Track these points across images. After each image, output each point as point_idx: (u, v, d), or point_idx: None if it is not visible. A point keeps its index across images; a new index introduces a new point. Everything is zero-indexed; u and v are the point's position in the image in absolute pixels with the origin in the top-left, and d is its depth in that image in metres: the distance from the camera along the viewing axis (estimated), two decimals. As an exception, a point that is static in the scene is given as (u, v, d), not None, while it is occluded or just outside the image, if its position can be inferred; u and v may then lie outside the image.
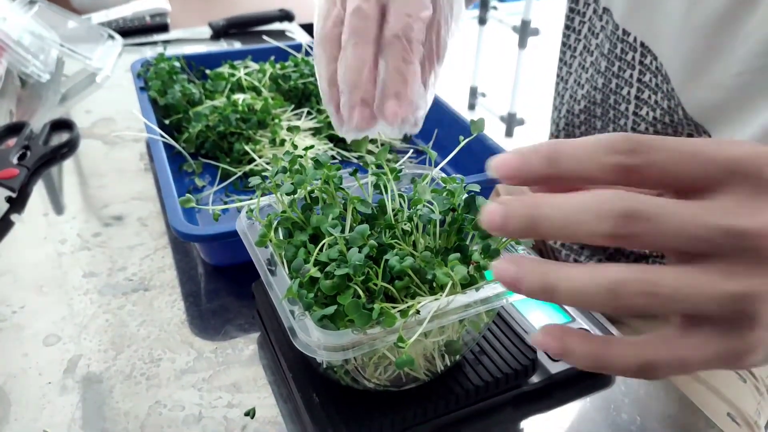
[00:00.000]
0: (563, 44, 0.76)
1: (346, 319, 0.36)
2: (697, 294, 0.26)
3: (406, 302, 0.38)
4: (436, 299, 0.37)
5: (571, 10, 0.73)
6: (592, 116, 0.74)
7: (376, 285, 0.38)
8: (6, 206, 0.67)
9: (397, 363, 0.36)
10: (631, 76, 0.66)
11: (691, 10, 0.57)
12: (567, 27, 0.74)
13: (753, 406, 0.68)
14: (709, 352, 0.27)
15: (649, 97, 0.65)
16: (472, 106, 3.17)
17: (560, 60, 0.77)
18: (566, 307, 0.52)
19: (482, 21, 3.00)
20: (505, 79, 2.97)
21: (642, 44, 0.64)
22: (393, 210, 0.44)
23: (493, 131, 2.98)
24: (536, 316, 0.51)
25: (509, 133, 2.92)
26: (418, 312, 0.36)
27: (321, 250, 0.40)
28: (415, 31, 0.44)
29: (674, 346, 0.28)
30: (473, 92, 3.14)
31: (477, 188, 0.44)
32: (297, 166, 0.46)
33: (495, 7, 3.13)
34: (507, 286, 0.28)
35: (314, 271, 0.38)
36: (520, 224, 0.27)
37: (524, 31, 2.71)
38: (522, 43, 2.74)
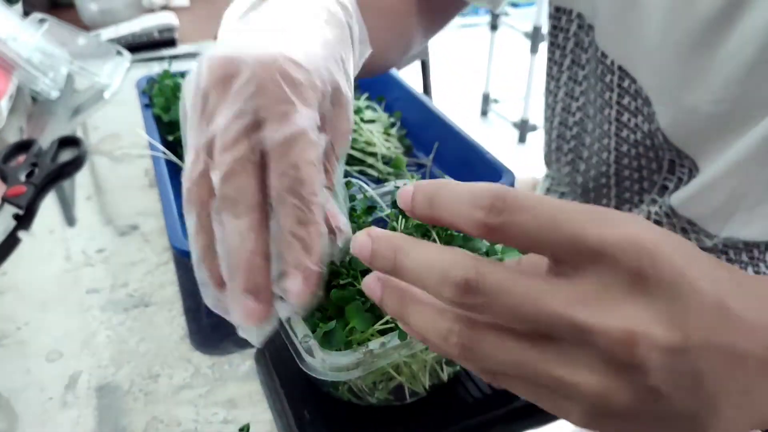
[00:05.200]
0: (549, 59, 0.76)
1: (348, 328, 0.37)
2: (532, 371, 0.26)
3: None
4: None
5: (554, 27, 0.73)
6: (583, 130, 0.74)
7: None
8: (13, 223, 0.68)
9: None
10: (610, 98, 0.66)
11: (667, 34, 0.56)
12: (552, 43, 0.74)
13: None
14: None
15: (629, 120, 0.64)
16: (484, 113, 3.17)
17: (548, 75, 0.77)
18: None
19: (494, 27, 3.00)
20: (518, 86, 2.97)
21: (620, 68, 0.63)
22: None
23: (506, 138, 2.98)
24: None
25: (522, 139, 2.92)
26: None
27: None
28: (306, 183, 0.34)
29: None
30: (486, 99, 3.14)
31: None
32: None
33: (507, 13, 3.13)
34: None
35: None
36: (383, 265, 0.29)
37: (536, 36, 2.70)
38: (534, 49, 2.74)
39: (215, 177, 0.33)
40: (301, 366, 0.36)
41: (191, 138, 0.35)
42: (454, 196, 0.28)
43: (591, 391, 0.26)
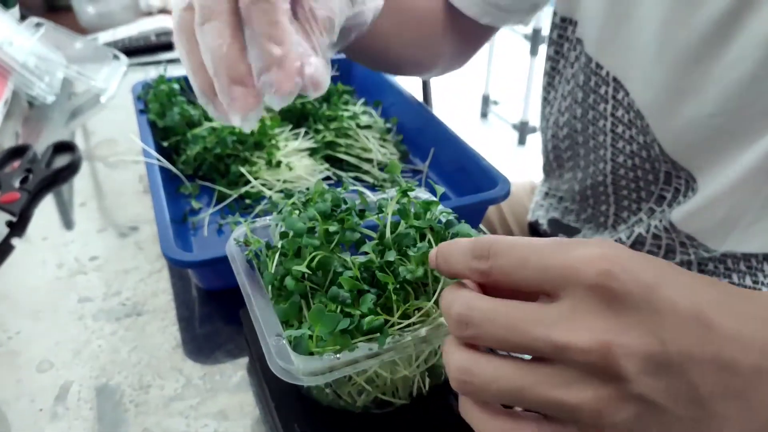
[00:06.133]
0: (552, 68, 0.75)
1: (317, 332, 0.36)
2: (532, 397, 0.28)
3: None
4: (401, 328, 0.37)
5: (559, 36, 0.72)
6: (575, 143, 0.73)
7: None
8: (6, 230, 0.68)
9: None
10: (605, 109, 0.65)
11: (662, 47, 0.56)
12: (556, 52, 0.74)
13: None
14: None
15: (624, 131, 0.64)
16: (484, 115, 3.17)
17: (548, 84, 0.77)
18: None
19: (494, 29, 2.99)
20: (518, 87, 2.96)
21: (614, 79, 0.63)
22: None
23: (506, 139, 2.98)
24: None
25: (522, 141, 2.91)
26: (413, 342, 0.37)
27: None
28: None
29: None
30: (485, 100, 3.14)
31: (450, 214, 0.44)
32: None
33: (507, 15, 3.12)
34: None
35: (290, 282, 0.39)
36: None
37: (536, 39, 2.70)
38: (534, 51, 2.74)
39: None
40: (270, 367, 0.36)
41: None
42: (459, 251, 0.32)
43: (587, 407, 0.27)
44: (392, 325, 0.38)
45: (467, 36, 0.78)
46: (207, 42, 0.40)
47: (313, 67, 0.41)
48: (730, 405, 0.27)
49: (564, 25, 0.71)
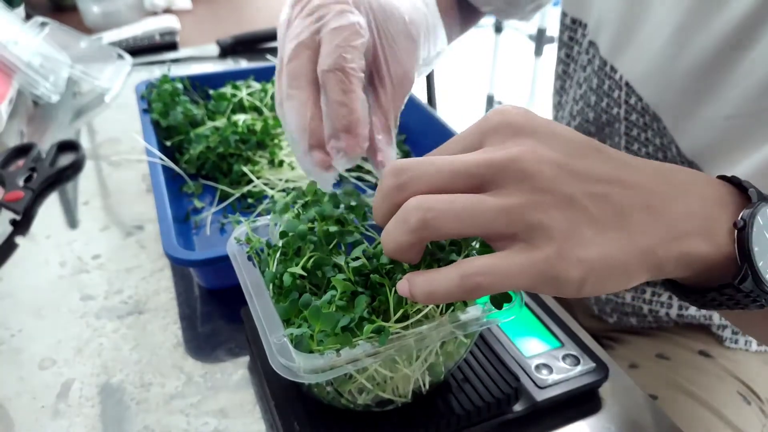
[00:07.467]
0: (563, 71, 0.75)
1: (317, 331, 0.37)
2: (483, 215, 0.31)
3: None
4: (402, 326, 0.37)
5: (570, 38, 0.72)
6: None
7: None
8: (10, 229, 0.68)
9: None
10: (618, 113, 0.65)
11: (679, 53, 0.56)
12: (567, 56, 0.73)
13: (758, 428, 0.66)
14: (516, 264, 0.31)
15: (639, 134, 0.64)
16: (489, 115, 3.16)
17: (560, 87, 0.76)
18: (555, 333, 0.52)
19: (498, 29, 2.99)
20: (522, 88, 2.96)
21: (627, 84, 0.63)
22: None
23: (510, 140, 2.97)
24: (524, 342, 0.50)
25: (526, 141, 2.90)
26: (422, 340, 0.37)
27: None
28: (348, 60, 0.43)
29: (488, 260, 0.32)
30: (490, 101, 3.13)
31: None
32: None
33: (511, 16, 3.12)
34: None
35: (288, 279, 0.39)
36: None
37: (540, 39, 2.70)
38: (538, 52, 2.73)
39: (285, 54, 0.45)
40: (271, 364, 0.36)
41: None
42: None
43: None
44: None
45: (461, 19, 0.78)
46: (291, 105, 0.45)
47: (384, 154, 0.47)
48: (638, 212, 0.32)
49: (575, 27, 0.71)
